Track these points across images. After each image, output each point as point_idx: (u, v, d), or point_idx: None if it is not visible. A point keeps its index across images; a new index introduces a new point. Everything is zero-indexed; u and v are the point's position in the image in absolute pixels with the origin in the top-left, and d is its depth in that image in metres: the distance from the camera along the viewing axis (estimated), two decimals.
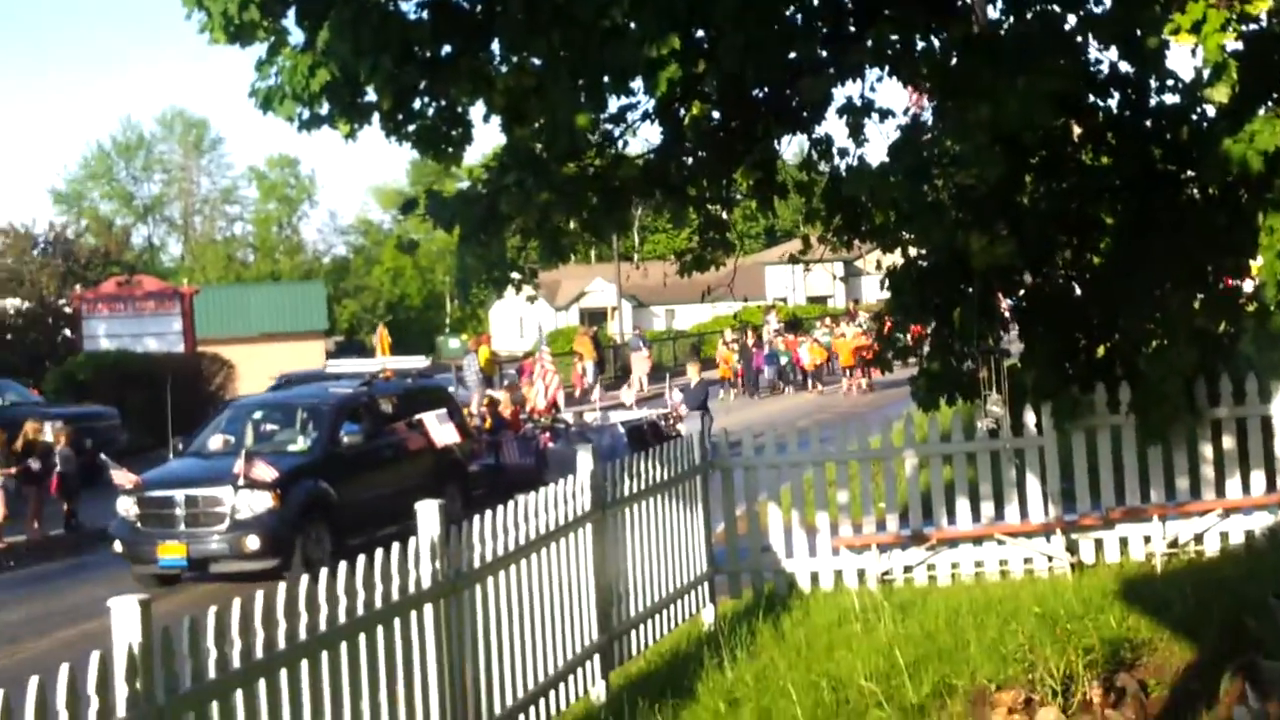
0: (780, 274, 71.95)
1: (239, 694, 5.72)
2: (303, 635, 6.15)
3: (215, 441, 17.40)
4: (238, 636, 5.74)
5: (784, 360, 40.34)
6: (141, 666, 5.16)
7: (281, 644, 6.01)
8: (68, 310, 40.01)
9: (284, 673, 6.02)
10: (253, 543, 15.11)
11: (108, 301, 37.88)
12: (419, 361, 22.53)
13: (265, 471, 15.17)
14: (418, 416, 18.08)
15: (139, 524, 15.63)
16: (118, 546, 15.76)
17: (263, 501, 15.30)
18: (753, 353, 40.03)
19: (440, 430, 17.90)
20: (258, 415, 17.93)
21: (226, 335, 52.25)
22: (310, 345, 62.12)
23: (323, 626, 6.31)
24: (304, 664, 6.16)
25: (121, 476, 15.80)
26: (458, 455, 18.82)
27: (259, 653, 5.86)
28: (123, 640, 5.17)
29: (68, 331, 39.95)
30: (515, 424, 23.40)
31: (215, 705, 5.57)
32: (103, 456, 18.13)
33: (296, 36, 10.26)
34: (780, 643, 10.04)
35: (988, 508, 12.09)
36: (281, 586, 6.10)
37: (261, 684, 5.87)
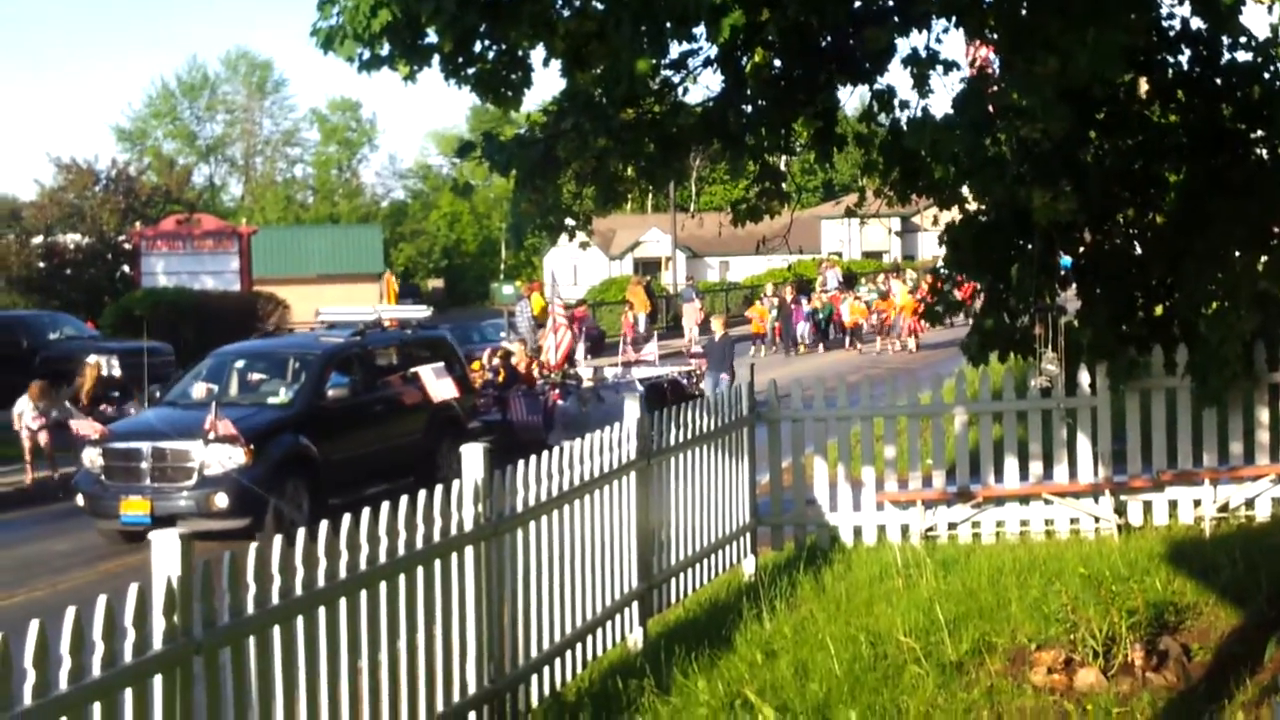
0: (836, 228, 71.55)
1: (277, 630, 5.73)
2: (343, 574, 6.17)
3: (196, 390, 16.25)
4: (277, 573, 5.75)
5: (822, 317, 39.33)
6: (180, 601, 5.16)
7: (321, 582, 6.02)
8: (127, 247, 40.45)
9: (322, 611, 6.03)
10: (221, 500, 14.17)
11: (167, 239, 38.30)
12: (420, 311, 20.39)
13: (227, 428, 14.22)
14: (413, 370, 17.07)
15: (103, 477, 14.81)
16: (80, 500, 15.06)
17: (234, 457, 14.30)
18: (791, 309, 38.66)
19: (437, 385, 16.85)
20: (240, 364, 16.87)
21: (283, 276, 52.70)
22: (366, 288, 62.34)
23: (363, 566, 6.33)
24: (342, 603, 6.17)
25: (86, 426, 15.24)
26: (456, 411, 17.64)
27: (298, 590, 5.87)
28: (161, 574, 5.18)
29: (126, 268, 40.44)
30: (529, 378, 22.26)
31: (252, 641, 5.59)
32: (66, 404, 18.28)
33: None
34: (820, 596, 10.04)
35: (1036, 467, 12.02)
36: (324, 525, 6.10)
37: (299, 621, 5.88)
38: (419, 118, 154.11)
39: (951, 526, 11.98)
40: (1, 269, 41.00)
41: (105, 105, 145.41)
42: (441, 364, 17.31)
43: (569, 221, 10.92)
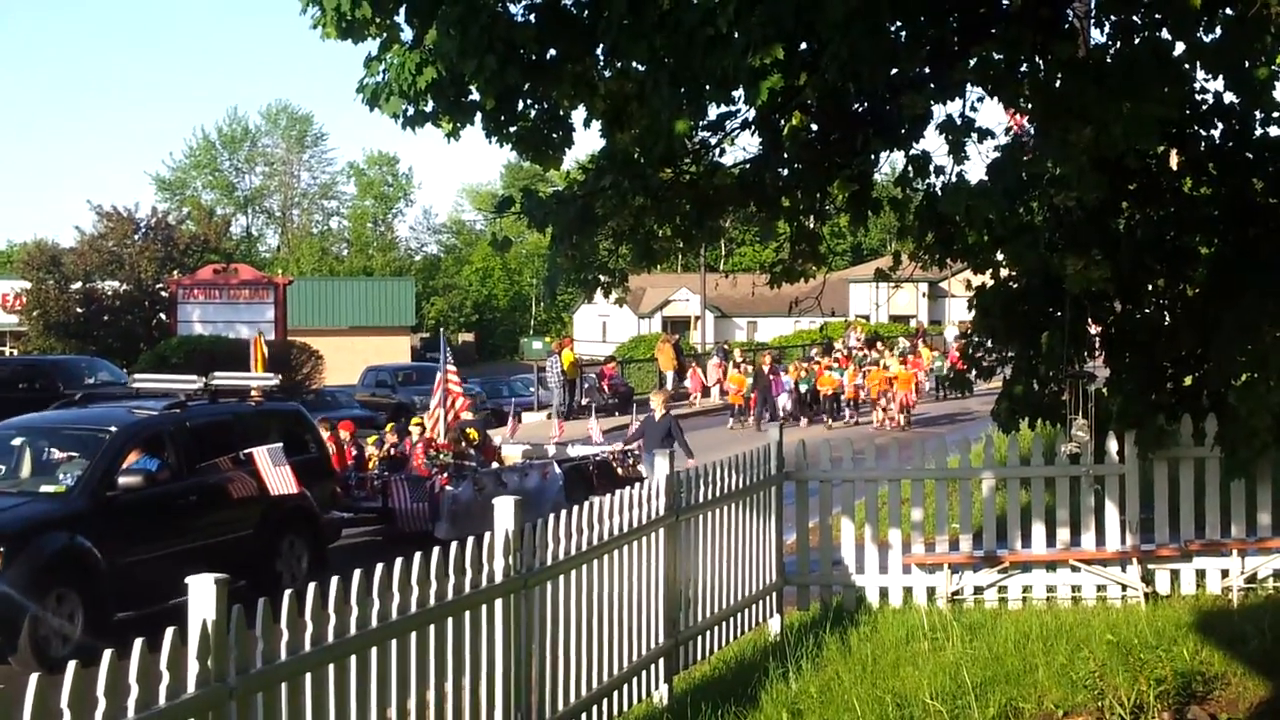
0: (864, 291, 71.67)
1: (308, 678, 5.79)
2: (374, 623, 6.25)
3: None
4: (310, 620, 5.84)
5: (804, 388, 35.65)
6: (214, 645, 5.22)
7: (352, 630, 6.10)
8: (164, 294, 40.93)
9: (353, 659, 6.10)
10: None
11: (203, 288, 38.77)
12: (267, 380, 16.58)
13: None
14: (248, 451, 14.05)
15: None
16: None
17: None
18: (770, 379, 35.07)
19: (275, 473, 13.96)
20: (18, 440, 13.61)
21: (317, 327, 53.16)
22: (397, 340, 63.06)
23: (394, 615, 6.41)
24: (373, 651, 6.24)
25: None
26: (307, 501, 14.79)
27: (330, 637, 5.95)
28: (197, 618, 5.24)
29: (163, 315, 40.89)
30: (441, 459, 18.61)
31: (284, 688, 5.65)
32: None
33: (406, 34, 10.45)
34: (846, 657, 10.05)
35: (1063, 533, 12.03)
36: (356, 573, 6.17)
37: (331, 669, 5.95)
38: (454, 173, 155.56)
39: (978, 591, 11.99)
40: (41, 314, 41.51)
41: (146, 155, 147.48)
42: (280, 446, 14.23)
43: (603, 278, 11.07)
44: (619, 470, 19.77)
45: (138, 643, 4.86)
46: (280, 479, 13.95)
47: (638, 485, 9.19)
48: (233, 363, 31.91)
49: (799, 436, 11.53)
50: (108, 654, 4.72)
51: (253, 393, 15.63)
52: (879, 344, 44.96)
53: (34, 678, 4.46)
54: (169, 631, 5.03)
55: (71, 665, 4.56)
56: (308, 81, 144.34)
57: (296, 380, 36.00)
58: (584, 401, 37.99)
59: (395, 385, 38.96)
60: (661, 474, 9.62)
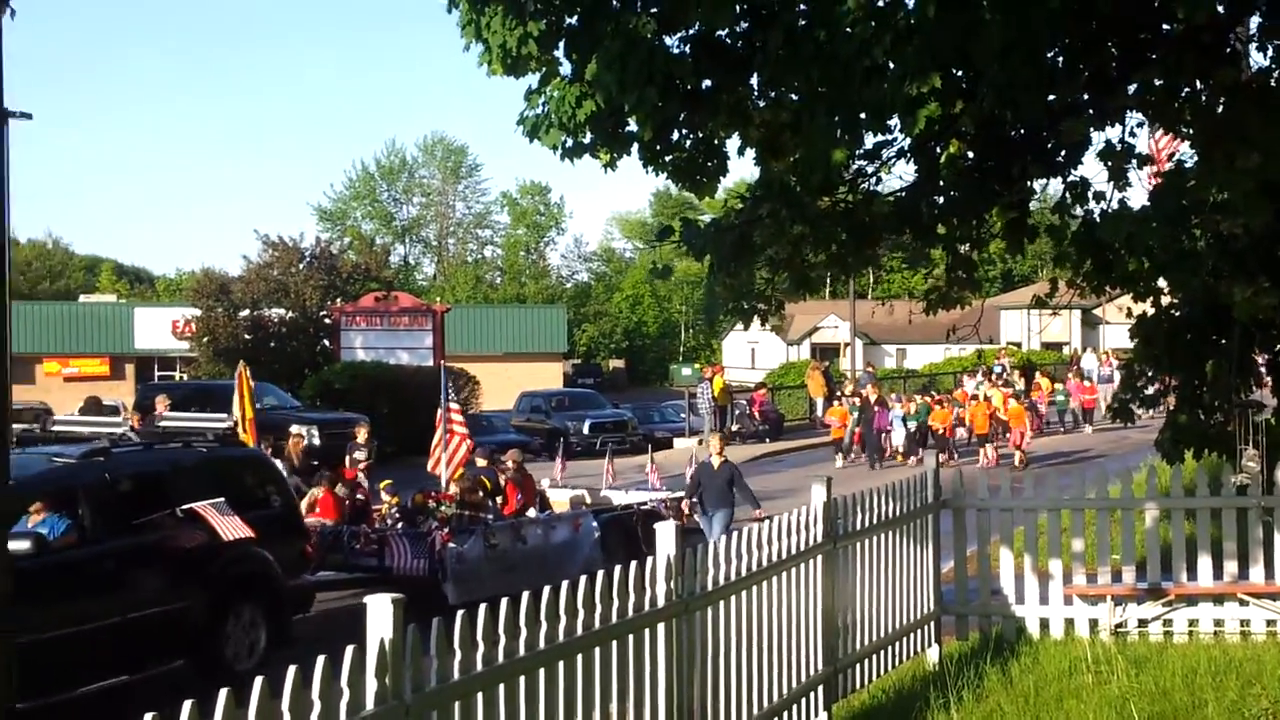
0: (1015, 318, 70.43)
1: (480, 697, 5.95)
2: (541, 644, 6.40)
3: None
4: (481, 641, 6.01)
5: (913, 425, 32.06)
6: (392, 664, 5.38)
7: (521, 651, 6.25)
8: (327, 321, 42.13)
9: (522, 680, 6.24)
10: None
11: (365, 315, 39.85)
12: (218, 421, 14.25)
13: None
14: (188, 506, 12.00)
15: None
16: None
17: None
18: (875, 411, 31.86)
19: (225, 523, 12.05)
20: None
21: (472, 353, 54.19)
22: (550, 366, 63.96)
23: (560, 638, 6.57)
24: (541, 672, 6.38)
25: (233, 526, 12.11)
26: (264, 565, 12.65)
27: (500, 658, 6.10)
28: (375, 636, 5.41)
29: (326, 342, 42.07)
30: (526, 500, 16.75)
31: (457, 706, 5.80)
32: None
33: (565, 68, 10.72)
34: (1008, 688, 9.95)
35: (1231, 565, 11.74)
36: (526, 596, 6.34)
37: (500, 689, 6.09)
38: (604, 202, 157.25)
39: (1142, 624, 11.77)
40: (210, 339, 43.02)
41: (307, 188, 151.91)
42: (221, 501, 12.15)
43: (760, 306, 11.17)
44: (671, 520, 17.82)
45: (320, 660, 5.06)
46: (232, 526, 12.02)
47: (791, 513, 9.22)
48: (394, 388, 32.76)
49: (903, 475, 11.34)
50: (292, 670, 4.92)
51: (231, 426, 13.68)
52: (1023, 372, 43.04)
53: (223, 692, 4.66)
54: (349, 650, 5.22)
55: (258, 681, 4.74)
56: (463, 114, 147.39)
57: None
58: (734, 428, 38.05)
59: (549, 410, 39.46)
60: (819, 501, 9.67)
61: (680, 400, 42.06)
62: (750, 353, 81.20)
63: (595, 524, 16.71)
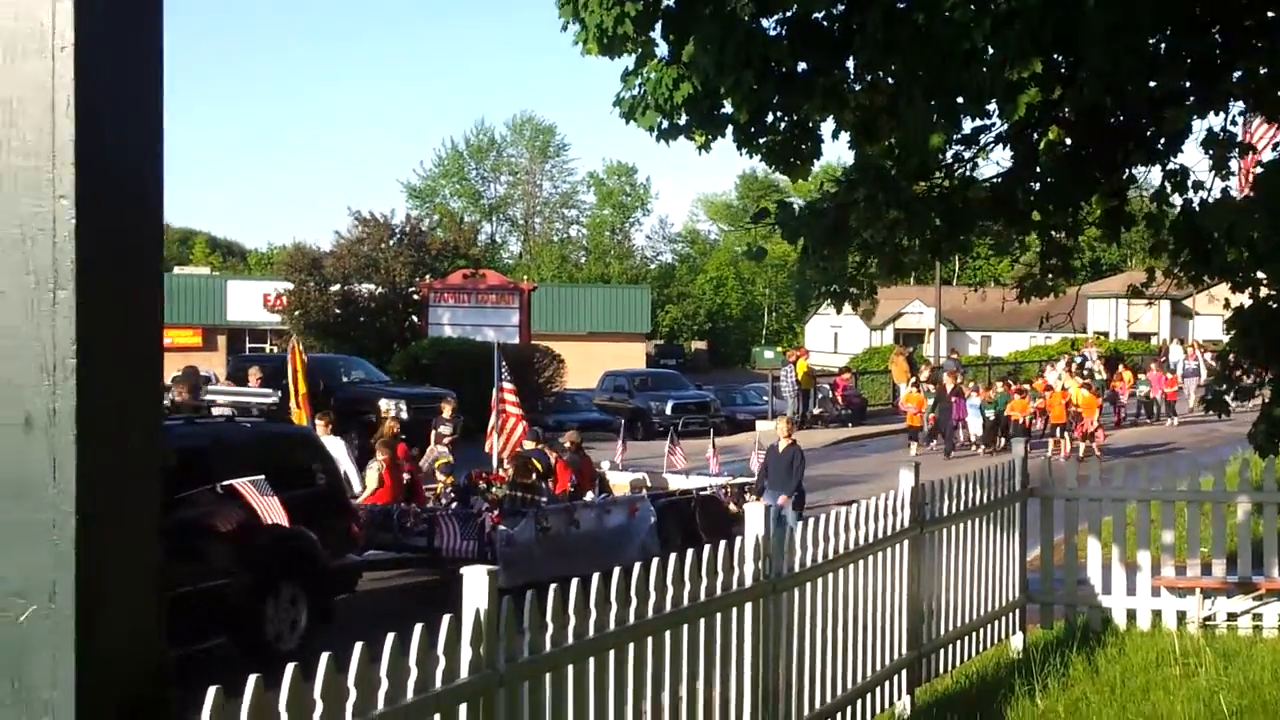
0: (1102, 308, 69.40)
1: (570, 669, 6.04)
2: (631, 620, 6.49)
3: None
4: (573, 614, 6.10)
5: (990, 413, 31.23)
6: (486, 634, 5.48)
7: (611, 626, 6.35)
8: (416, 297, 42.61)
9: (611, 654, 6.33)
10: None
11: (453, 292, 40.26)
12: (264, 396, 14.36)
13: None
14: (226, 484, 11.76)
15: None
16: None
17: None
18: (951, 401, 31.04)
19: (265, 504, 11.73)
20: None
21: (557, 332, 54.46)
22: (633, 347, 64.07)
23: (650, 614, 6.65)
24: (630, 647, 6.47)
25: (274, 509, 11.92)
26: (306, 542, 12.45)
27: (591, 632, 6.20)
28: (471, 606, 5.51)
29: (415, 317, 42.55)
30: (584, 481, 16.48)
31: (548, 677, 5.90)
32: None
33: (662, 49, 10.77)
34: (1093, 678, 9.91)
35: None
36: (617, 571, 6.42)
37: (591, 662, 6.18)
38: (690, 183, 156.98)
39: (1231, 617, 11.64)
40: (302, 313, 43.65)
41: (397, 165, 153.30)
42: (262, 479, 11.82)
43: (853, 290, 11.16)
44: (731, 507, 17.10)
45: (417, 628, 5.17)
46: (271, 509, 11.74)
47: (879, 497, 9.23)
48: (480, 364, 33.01)
49: (976, 466, 11.24)
50: (390, 637, 5.03)
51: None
52: (1113, 364, 42.36)
53: (325, 656, 4.76)
54: (445, 619, 5.33)
55: (357, 646, 4.84)
56: (552, 94, 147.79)
57: (539, 382, 36.95)
58: (816, 411, 37.97)
59: (632, 390, 39.59)
60: (906, 486, 9.68)
61: (763, 383, 42.02)
62: (833, 337, 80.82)
63: (652, 509, 16.27)
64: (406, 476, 16.02)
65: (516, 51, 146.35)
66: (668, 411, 36.65)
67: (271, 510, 11.63)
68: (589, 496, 16.66)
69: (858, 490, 20.82)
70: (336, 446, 16.14)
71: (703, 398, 39.18)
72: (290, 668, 4.55)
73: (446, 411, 20.84)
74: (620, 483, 17.98)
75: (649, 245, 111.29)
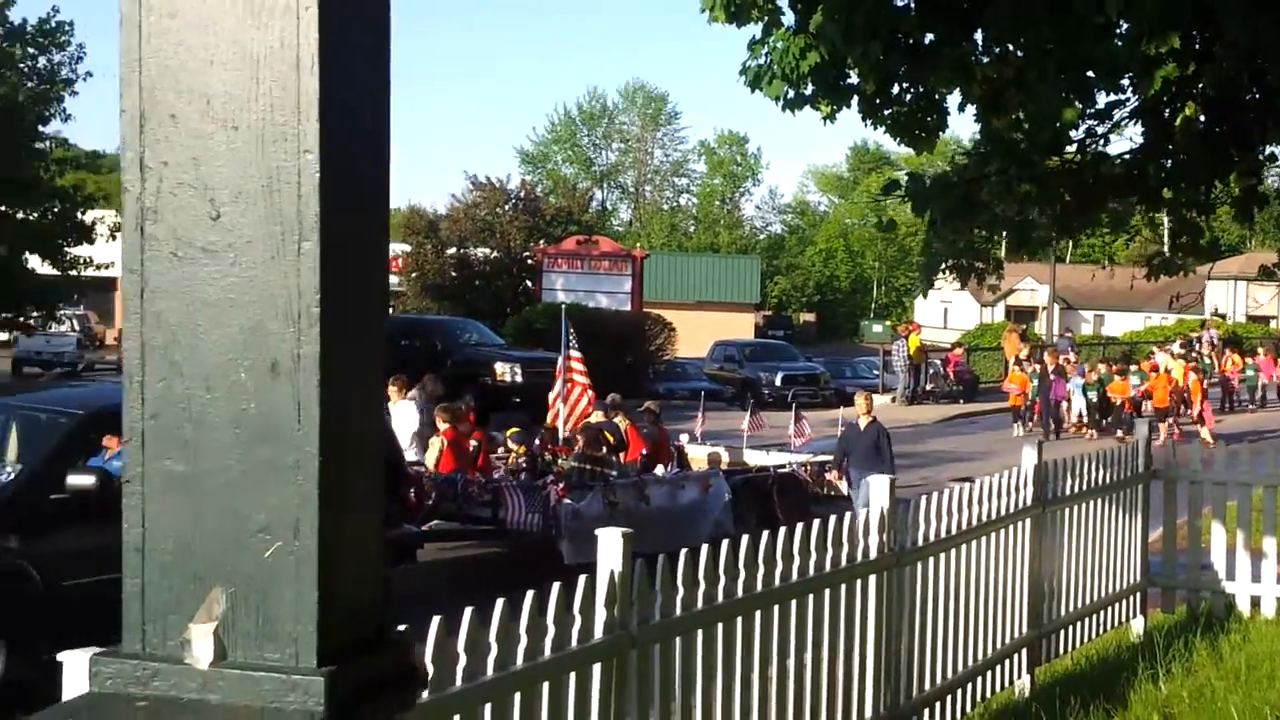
0: (1221, 289, 67.72)
1: (699, 634, 6.11)
2: (758, 587, 6.54)
3: None
4: (703, 580, 6.16)
5: (1093, 395, 30.51)
6: (620, 596, 5.57)
7: (739, 593, 6.40)
8: (530, 262, 42.96)
9: (739, 620, 6.39)
10: None
11: (567, 258, 40.51)
12: None
13: None
14: None
15: None
16: None
17: None
18: (1052, 380, 30.27)
19: None
20: None
21: (667, 300, 54.57)
22: (742, 317, 64.00)
23: (777, 582, 6.69)
24: (757, 614, 6.52)
25: None
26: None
27: (720, 598, 6.25)
28: (606, 568, 5.60)
29: (529, 282, 42.93)
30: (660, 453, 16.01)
31: (678, 641, 5.97)
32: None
33: (788, 18, 10.72)
34: (1218, 664, 9.75)
35: None
36: (745, 540, 6.46)
37: (719, 628, 6.25)
38: (800, 154, 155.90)
39: None
40: (419, 275, 44.26)
41: (510, 130, 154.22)
42: None
43: (979, 265, 11.06)
44: (812, 486, 16.50)
45: (555, 586, 5.26)
46: None
47: (1001, 474, 9.14)
48: (592, 330, 33.21)
49: (1082, 449, 11.02)
50: (530, 595, 5.13)
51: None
52: (1225, 348, 41.27)
53: (468, 611, 4.84)
54: (581, 579, 5.41)
55: (499, 603, 4.93)
56: (664, 61, 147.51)
57: (650, 350, 37.08)
58: (928, 387, 37.65)
59: (742, 360, 39.57)
60: (1029, 464, 9.58)
61: (873, 357, 41.75)
62: (943, 312, 79.93)
63: (726, 486, 15.52)
64: (474, 444, 15.36)
65: (630, 19, 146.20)
66: (777, 383, 36.58)
67: None
68: (660, 470, 16.15)
69: (970, 467, 20.66)
70: (404, 412, 15.92)
71: (812, 370, 39.05)
72: (435, 620, 4.68)
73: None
74: (698, 456, 17.45)
75: (758, 215, 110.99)
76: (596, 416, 16.53)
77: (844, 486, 16.22)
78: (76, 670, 4.15)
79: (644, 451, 16.32)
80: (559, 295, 38.88)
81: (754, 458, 17.51)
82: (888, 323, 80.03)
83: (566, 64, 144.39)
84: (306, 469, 1.48)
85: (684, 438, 18.15)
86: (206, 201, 1.55)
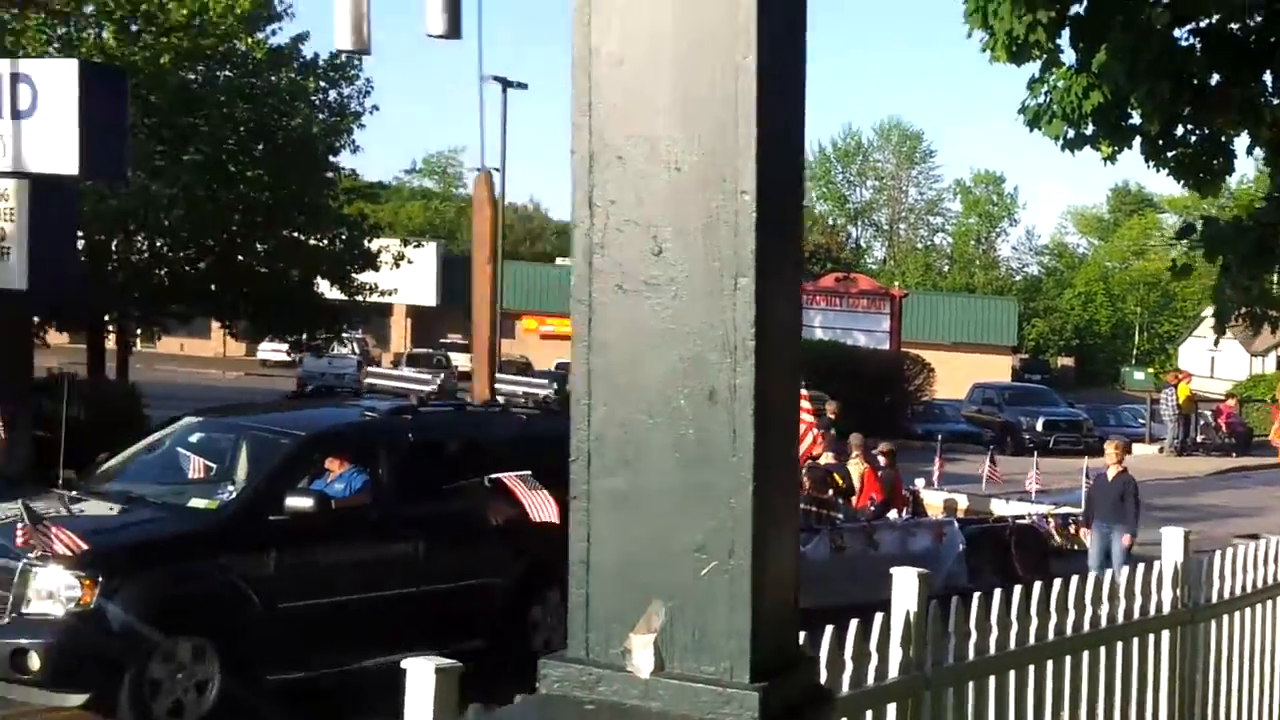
0: None
1: (991, 680, 5.94)
2: (1050, 636, 6.36)
3: (191, 466, 10.62)
4: (995, 625, 6.04)
5: None
6: (915, 637, 5.46)
7: (1031, 640, 6.26)
8: None
9: (1031, 669, 6.20)
10: (33, 660, 8.74)
11: (825, 295, 40.49)
12: (419, 383, 12.70)
13: (63, 540, 8.79)
14: (495, 477, 10.63)
15: None
16: None
17: (66, 590, 8.80)
18: None
19: (534, 498, 10.48)
20: (197, 438, 11.07)
21: (922, 340, 53.91)
22: (998, 359, 62.70)
23: (1069, 631, 6.51)
24: (1049, 664, 6.34)
25: None
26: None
27: (1012, 644, 6.06)
28: (901, 608, 5.51)
29: None
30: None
31: (971, 686, 5.83)
32: None
33: (1069, 57, 10.57)
34: None
35: None
36: (1018, 590, 6.30)
37: (1012, 674, 6.06)
38: (1057, 195, 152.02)
39: None
40: None
41: None
42: (529, 474, 10.56)
43: (1274, 313, 10.64)
44: (1054, 539, 15.64)
45: (853, 624, 5.25)
46: (541, 504, 10.45)
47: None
48: (850, 368, 32.98)
49: None
50: (829, 629, 5.14)
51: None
52: None
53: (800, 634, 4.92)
54: (878, 617, 5.39)
55: (854, 622, 5.00)
56: (918, 100, 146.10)
57: (909, 390, 36.67)
58: (1198, 439, 36.13)
59: (1001, 404, 38.69)
60: None
61: (1137, 404, 40.29)
62: (1209, 361, 76.38)
63: (961, 535, 14.72)
64: None
65: (884, 56, 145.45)
66: (1038, 428, 35.64)
67: (541, 507, 10.43)
68: (892, 515, 15.59)
69: (1249, 524, 19.67)
70: None
71: (1075, 415, 37.91)
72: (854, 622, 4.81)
73: (830, 410, 20.66)
74: (934, 503, 16.76)
75: (1014, 256, 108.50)
76: (827, 458, 16.02)
77: (1087, 539, 15.35)
78: (419, 678, 4.32)
79: (873, 496, 15.81)
80: (817, 332, 38.82)
81: (996, 507, 16.84)
82: (1150, 370, 77.09)
83: (822, 102, 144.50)
84: (741, 493, 1.58)
85: (919, 482, 17.64)
86: (649, 238, 1.67)
